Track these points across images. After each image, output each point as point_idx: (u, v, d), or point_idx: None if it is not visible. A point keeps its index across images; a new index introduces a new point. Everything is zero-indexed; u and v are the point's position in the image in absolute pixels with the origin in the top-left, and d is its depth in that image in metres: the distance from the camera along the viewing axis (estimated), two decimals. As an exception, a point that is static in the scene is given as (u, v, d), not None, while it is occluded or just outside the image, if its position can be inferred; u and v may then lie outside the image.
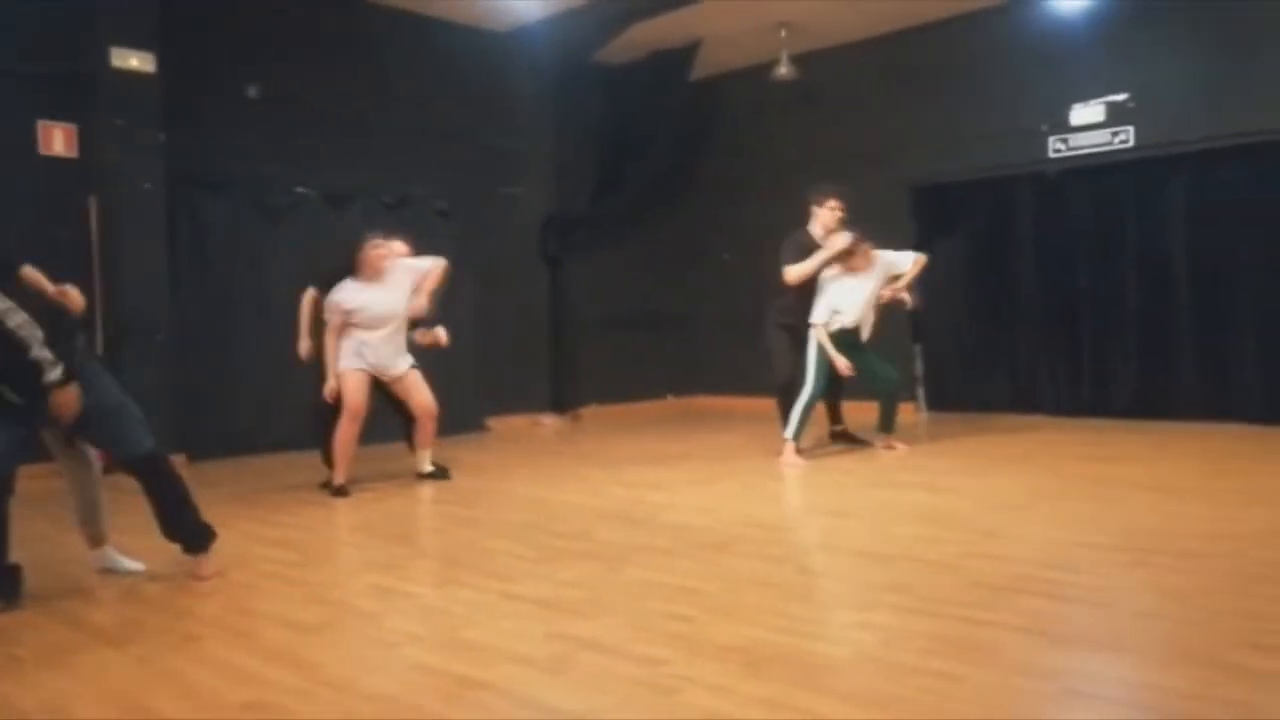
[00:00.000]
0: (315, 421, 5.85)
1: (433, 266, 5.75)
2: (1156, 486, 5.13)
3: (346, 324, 5.46)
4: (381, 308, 5.50)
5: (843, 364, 6.20)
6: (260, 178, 7.40)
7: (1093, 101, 7.71)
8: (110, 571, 3.89)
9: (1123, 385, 7.86)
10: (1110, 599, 3.23)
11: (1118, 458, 6.10)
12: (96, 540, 3.91)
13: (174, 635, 3.13)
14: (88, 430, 3.58)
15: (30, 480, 4.86)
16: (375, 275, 5.48)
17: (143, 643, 3.05)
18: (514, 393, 8.91)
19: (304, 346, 5.79)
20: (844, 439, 6.79)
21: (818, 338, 6.22)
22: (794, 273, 6.27)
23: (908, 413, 8.41)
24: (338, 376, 5.50)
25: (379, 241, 5.54)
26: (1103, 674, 2.61)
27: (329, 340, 5.50)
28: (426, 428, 5.83)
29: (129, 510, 4.05)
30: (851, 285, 6.30)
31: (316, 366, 5.72)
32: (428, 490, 5.69)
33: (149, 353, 6.62)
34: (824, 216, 6.40)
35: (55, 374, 3.32)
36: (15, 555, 4.14)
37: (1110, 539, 3.98)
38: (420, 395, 5.73)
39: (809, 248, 6.32)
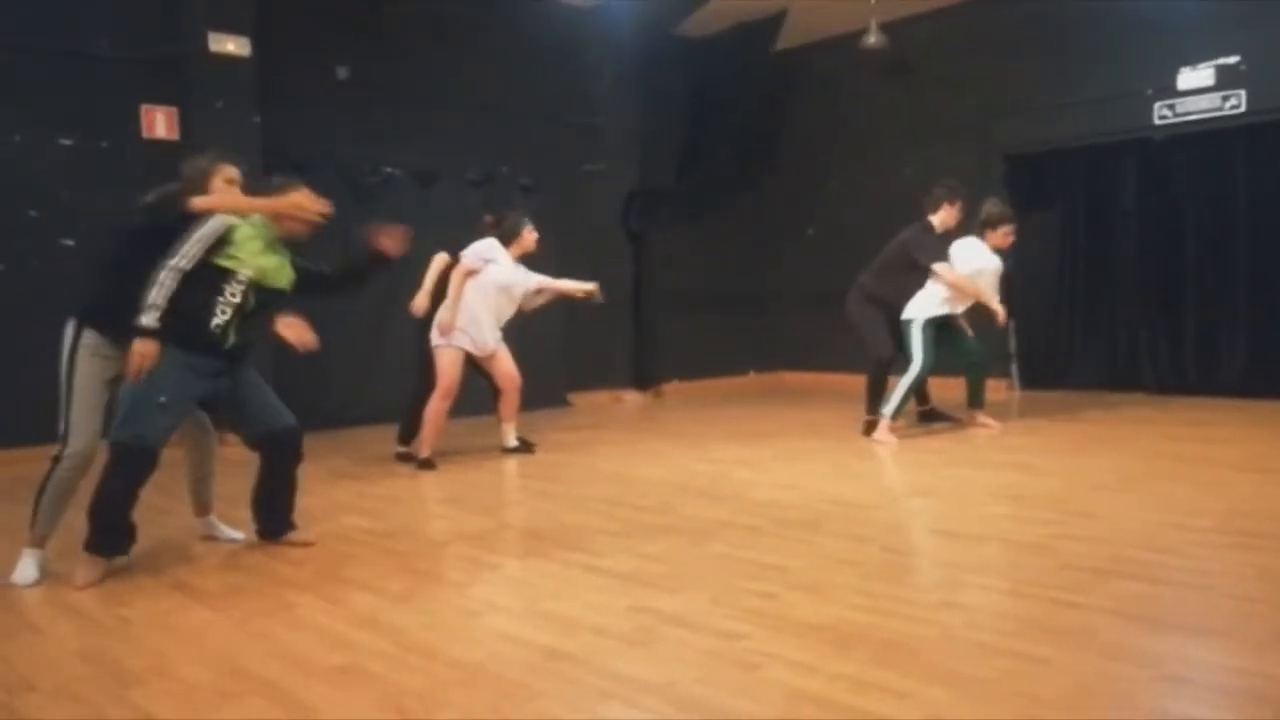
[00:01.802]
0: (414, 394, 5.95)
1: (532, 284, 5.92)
2: (1259, 467, 4.91)
3: (474, 273, 5.63)
4: (511, 282, 5.73)
5: (999, 310, 6.16)
6: (349, 157, 7.56)
7: (1202, 65, 7.35)
8: (213, 539, 4.06)
9: (1231, 362, 7.54)
10: (1209, 582, 3.11)
11: (1220, 438, 5.86)
12: (203, 509, 4.09)
13: (271, 600, 3.25)
14: (251, 398, 3.76)
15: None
16: (522, 254, 5.83)
17: (242, 607, 3.18)
18: (597, 368, 8.97)
19: (421, 304, 5.81)
20: (933, 418, 6.66)
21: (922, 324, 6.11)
22: (949, 275, 6.11)
23: (1000, 391, 8.22)
24: (435, 351, 5.64)
25: (534, 228, 5.89)
26: (1201, 659, 2.52)
27: (456, 278, 5.63)
28: (511, 399, 5.92)
29: (230, 480, 4.22)
30: (988, 278, 6.20)
31: (416, 342, 5.86)
32: (512, 464, 5.79)
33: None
34: (952, 215, 6.26)
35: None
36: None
37: (1209, 521, 3.83)
38: (506, 367, 5.85)
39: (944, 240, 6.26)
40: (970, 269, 6.14)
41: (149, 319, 3.40)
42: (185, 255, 3.44)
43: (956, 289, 6.10)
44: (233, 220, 3.59)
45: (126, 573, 3.59)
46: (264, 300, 3.66)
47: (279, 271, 3.71)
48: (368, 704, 2.36)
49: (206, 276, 3.50)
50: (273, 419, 3.81)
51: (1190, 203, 7.67)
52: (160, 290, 3.40)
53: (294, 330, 4.01)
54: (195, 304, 3.49)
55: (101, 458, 3.53)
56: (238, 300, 3.56)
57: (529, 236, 5.84)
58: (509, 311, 5.84)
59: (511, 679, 2.48)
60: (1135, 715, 2.20)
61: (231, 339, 3.59)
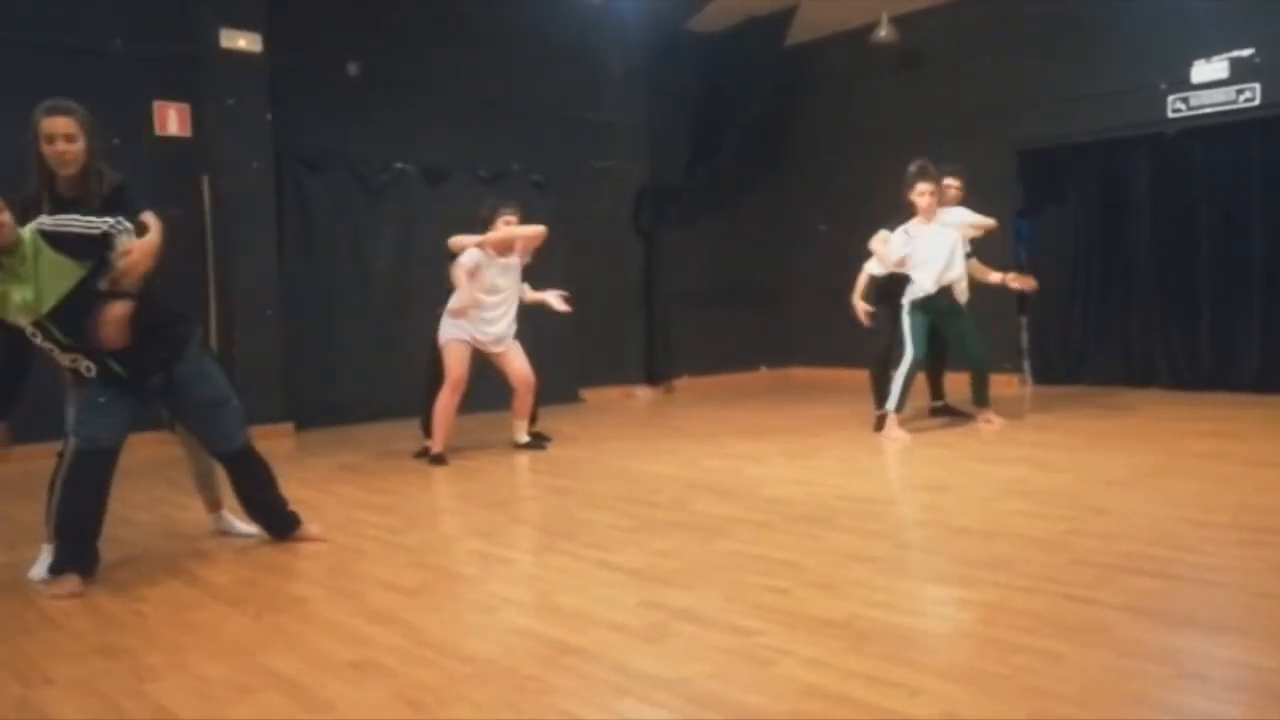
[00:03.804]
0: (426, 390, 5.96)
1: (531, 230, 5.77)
2: (1273, 463, 4.88)
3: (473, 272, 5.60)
4: (500, 278, 5.66)
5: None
6: (360, 154, 7.57)
7: (1215, 57, 7.31)
8: (225, 534, 4.08)
9: (1247, 358, 7.49)
10: (1224, 579, 3.09)
11: (1235, 433, 5.83)
12: (213, 504, 4.11)
13: (285, 595, 3.26)
14: (190, 419, 3.70)
15: (152, 447, 5.14)
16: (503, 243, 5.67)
17: (256, 602, 3.19)
18: (608, 364, 8.98)
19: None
20: (945, 414, 6.65)
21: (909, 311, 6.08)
22: (874, 244, 6.18)
23: (1011, 386, 8.19)
24: (440, 347, 5.65)
25: (510, 216, 5.68)
26: (1216, 656, 2.51)
27: (459, 276, 5.61)
28: (524, 399, 5.92)
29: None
30: (925, 239, 6.00)
31: (423, 336, 5.87)
32: (523, 459, 5.79)
33: (259, 326, 6.88)
34: (915, 203, 6.06)
35: (118, 227, 3.24)
36: (140, 516, 4.40)
37: (1225, 517, 3.82)
38: (518, 366, 5.82)
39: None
40: (902, 251, 6.07)
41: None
42: None
43: (879, 258, 6.14)
44: None
45: (141, 568, 3.61)
46: (79, 314, 3.20)
47: (47, 290, 3.15)
48: (383, 699, 2.37)
49: (14, 338, 3.30)
50: (211, 445, 3.74)
51: (1204, 196, 7.63)
52: None
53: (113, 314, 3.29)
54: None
55: None
56: (55, 347, 3.29)
57: (503, 227, 5.63)
58: (507, 299, 5.72)
59: (525, 674, 2.49)
60: (1150, 711, 2.19)
61: (115, 367, 3.34)
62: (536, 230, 5.74)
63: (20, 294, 3.17)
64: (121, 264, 3.21)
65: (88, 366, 3.36)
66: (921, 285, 6.05)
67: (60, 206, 3.30)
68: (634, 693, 2.37)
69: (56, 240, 3.17)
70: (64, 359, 3.36)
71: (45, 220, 3.22)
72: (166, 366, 3.53)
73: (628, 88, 8.97)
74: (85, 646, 2.83)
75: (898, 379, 6.08)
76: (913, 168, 6.06)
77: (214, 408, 3.67)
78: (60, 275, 3.18)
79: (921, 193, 6.01)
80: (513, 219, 5.68)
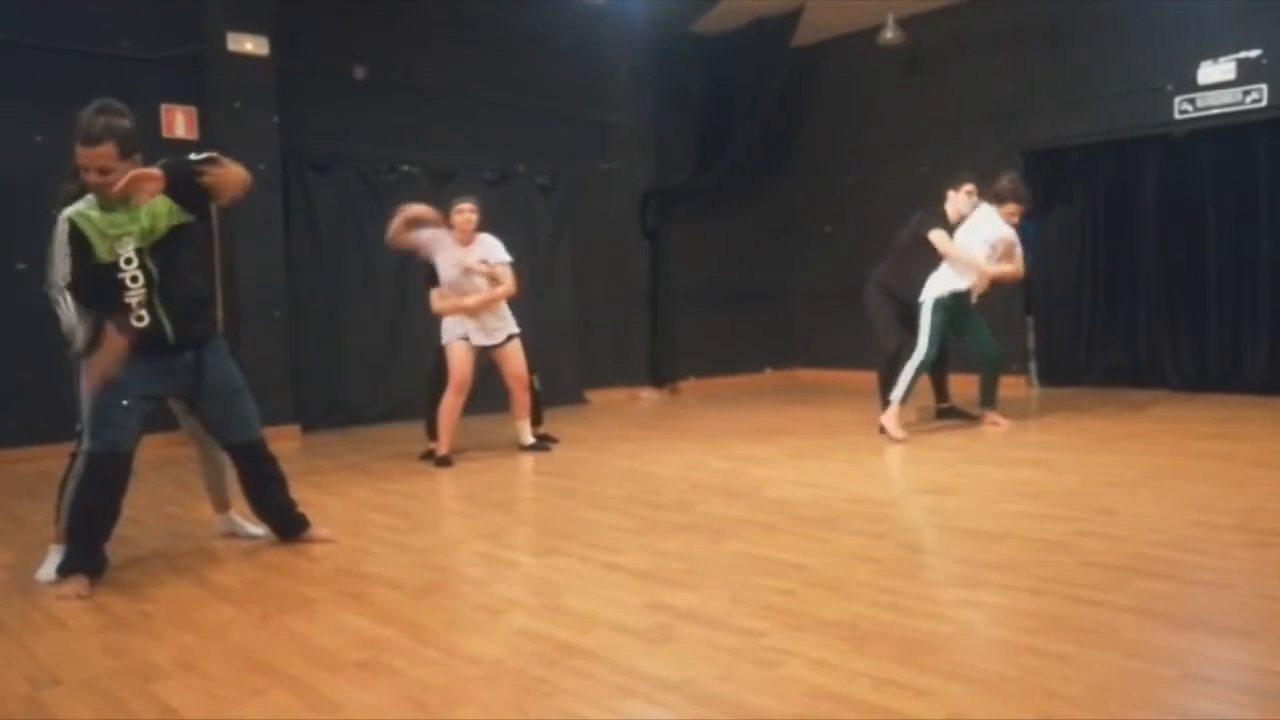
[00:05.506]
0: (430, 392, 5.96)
1: (503, 273, 5.72)
2: (1284, 465, 4.87)
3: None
4: (460, 271, 5.63)
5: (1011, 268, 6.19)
6: (366, 156, 7.59)
7: (1223, 59, 7.29)
8: (233, 535, 4.09)
9: (1255, 359, 7.46)
10: (1232, 581, 3.08)
11: (1243, 435, 5.81)
12: (221, 505, 4.12)
13: (292, 596, 3.27)
14: (209, 406, 3.71)
15: (159, 448, 5.16)
16: (463, 239, 5.66)
17: (263, 602, 3.20)
18: (613, 366, 8.99)
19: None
20: (951, 415, 6.63)
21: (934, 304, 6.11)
22: (944, 244, 6.09)
23: (1018, 387, 8.18)
24: (444, 347, 5.66)
25: (464, 207, 5.64)
26: (1224, 658, 2.50)
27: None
28: (519, 398, 5.91)
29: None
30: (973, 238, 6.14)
31: (429, 338, 5.86)
32: (529, 461, 5.80)
33: (265, 328, 6.89)
34: (959, 201, 6.24)
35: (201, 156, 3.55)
36: (148, 517, 4.41)
37: (1233, 519, 3.80)
38: (513, 365, 5.82)
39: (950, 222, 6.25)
40: (972, 235, 6.11)
41: (76, 345, 3.44)
42: (59, 273, 3.36)
43: (950, 258, 6.06)
44: (76, 210, 3.40)
45: (149, 568, 3.62)
46: (163, 259, 3.44)
47: (157, 221, 3.44)
48: (389, 700, 2.37)
49: (99, 277, 3.37)
50: (229, 434, 3.75)
51: (1212, 198, 7.61)
52: (65, 314, 3.42)
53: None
54: (111, 307, 3.39)
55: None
56: (141, 280, 3.40)
57: (457, 217, 5.62)
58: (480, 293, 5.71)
59: (531, 675, 2.49)
60: (1158, 713, 2.19)
61: (166, 327, 3.45)
62: (505, 291, 5.67)
63: (137, 224, 3.42)
64: (212, 172, 3.48)
65: (139, 315, 3.41)
66: (965, 279, 6.08)
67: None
68: (639, 694, 2.36)
69: (171, 189, 3.41)
70: (133, 298, 3.40)
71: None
72: (198, 345, 3.59)
73: (633, 89, 8.98)
74: (92, 646, 2.85)
75: (907, 371, 6.05)
76: (1009, 186, 6.16)
77: (233, 395, 3.71)
78: (169, 214, 3.47)
79: (970, 192, 6.24)
80: (465, 208, 5.63)
